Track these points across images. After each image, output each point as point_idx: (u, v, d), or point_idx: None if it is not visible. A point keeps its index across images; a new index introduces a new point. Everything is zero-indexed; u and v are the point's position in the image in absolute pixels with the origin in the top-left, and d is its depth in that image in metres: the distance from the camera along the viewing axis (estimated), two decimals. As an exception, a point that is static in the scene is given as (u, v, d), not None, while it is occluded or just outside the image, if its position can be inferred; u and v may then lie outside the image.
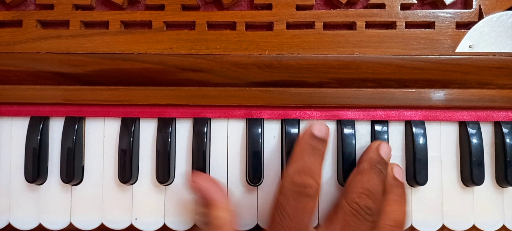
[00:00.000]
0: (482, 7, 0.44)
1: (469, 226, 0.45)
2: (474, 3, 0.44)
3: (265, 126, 0.46)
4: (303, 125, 0.45)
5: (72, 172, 0.44)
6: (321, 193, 0.45)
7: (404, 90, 0.44)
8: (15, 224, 0.46)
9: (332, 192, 0.45)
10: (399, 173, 0.43)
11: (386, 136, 0.45)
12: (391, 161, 0.44)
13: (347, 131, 0.45)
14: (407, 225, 0.45)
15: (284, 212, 0.39)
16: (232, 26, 0.45)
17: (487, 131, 0.46)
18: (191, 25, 0.45)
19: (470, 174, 0.44)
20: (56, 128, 0.46)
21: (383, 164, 0.42)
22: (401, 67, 0.44)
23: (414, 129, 0.44)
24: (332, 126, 0.46)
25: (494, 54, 0.43)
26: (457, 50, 0.44)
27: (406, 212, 0.42)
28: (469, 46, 0.44)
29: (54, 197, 0.46)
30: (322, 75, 0.44)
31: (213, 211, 0.40)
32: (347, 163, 0.44)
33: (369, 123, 0.46)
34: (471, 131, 0.44)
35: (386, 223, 0.41)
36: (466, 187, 0.45)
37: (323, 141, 0.42)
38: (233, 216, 0.41)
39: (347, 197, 0.40)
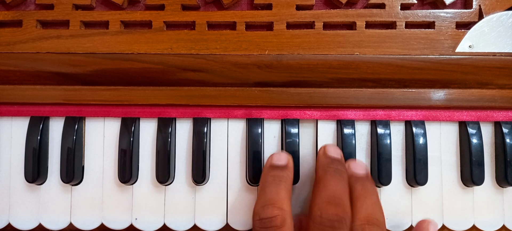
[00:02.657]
0: (482, 7, 0.44)
1: (469, 226, 0.45)
2: (474, 3, 0.44)
3: (265, 126, 0.46)
4: (303, 125, 0.45)
5: (72, 172, 0.44)
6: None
7: (404, 90, 0.44)
8: (15, 224, 0.46)
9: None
10: (357, 166, 0.41)
11: (387, 136, 0.45)
12: (393, 162, 0.44)
13: (347, 131, 0.45)
14: (405, 225, 0.45)
15: None
16: (232, 26, 0.45)
17: (487, 131, 0.46)
18: (191, 25, 0.45)
19: (470, 174, 0.44)
20: (56, 128, 0.46)
21: (337, 162, 0.41)
22: (401, 67, 0.44)
23: (414, 129, 0.44)
24: (332, 126, 0.46)
25: (494, 54, 0.43)
26: (457, 50, 0.44)
27: (375, 204, 0.39)
28: (469, 46, 0.44)
29: (54, 197, 0.46)
30: (322, 75, 0.44)
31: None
32: (347, 163, 0.44)
33: (369, 123, 0.46)
34: (471, 131, 0.44)
35: (357, 224, 0.37)
36: (466, 187, 0.45)
37: (284, 168, 0.41)
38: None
39: (310, 214, 0.37)
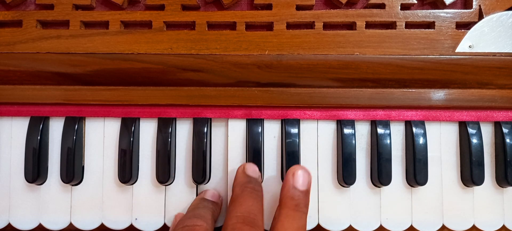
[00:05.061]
0: (482, 7, 0.44)
1: (469, 226, 0.45)
2: (474, 3, 0.44)
3: (265, 126, 0.46)
4: (303, 125, 0.45)
5: (72, 172, 0.44)
6: (323, 196, 0.45)
7: (404, 90, 0.44)
8: (15, 224, 0.46)
9: (333, 192, 0.45)
10: (300, 178, 0.39)
11: (387, 136, 0.45)
12: (393, 162, 0.44)
13: (347, 131, 0.45)
14: (405, 225, 0.45)
15: None
16: (232, 26, 0.45)
17: (487, 131, 0.46)
18: (191, 25, 0.45)
19: (470, 174, 0.44)
20: (56, 128, 0.46)
21: (255, 181, 0.41)
22: (401, 67, 0.44)
23: (414, 129, 0.44)
24: (332, 126, 0.46)
25: (494, 54, 0.43)
26: (457, 50, 0.44)
27: (301, 226, 0.37)
28: (469, 46, 0.44)
29: (54, 197, 0.46)
30: (322, 75, 0.44)
31: None
32: (347, 163, 0.44)
33: (369, 123, 0.46)
34: (471, 131, 0.44)
35: None
36: (466, 187, 0.45)
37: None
38: None
39: None
